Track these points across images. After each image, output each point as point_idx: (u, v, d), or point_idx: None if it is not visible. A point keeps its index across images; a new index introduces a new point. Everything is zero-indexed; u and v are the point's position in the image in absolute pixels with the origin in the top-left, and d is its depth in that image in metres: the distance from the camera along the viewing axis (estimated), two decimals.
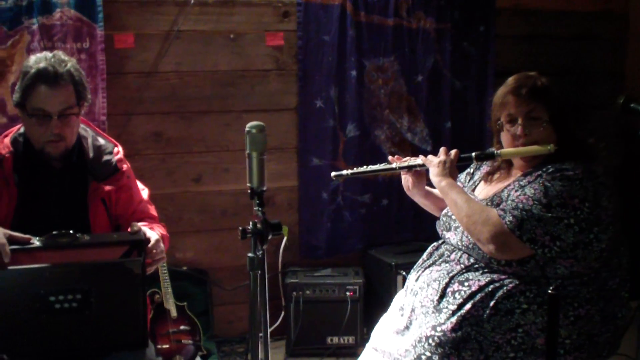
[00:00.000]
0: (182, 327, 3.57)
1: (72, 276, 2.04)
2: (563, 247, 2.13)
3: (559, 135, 2.32)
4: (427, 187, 2.67)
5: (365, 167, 2.64)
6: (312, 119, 4.00)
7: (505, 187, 2.34)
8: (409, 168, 2.59)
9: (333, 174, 2.66)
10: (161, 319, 3.55)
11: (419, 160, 2.55)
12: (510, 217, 2.16)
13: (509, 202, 2.23)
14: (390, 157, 2.64)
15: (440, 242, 2.55)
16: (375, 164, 2.64)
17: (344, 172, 2.63)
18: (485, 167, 2.58)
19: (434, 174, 2.45)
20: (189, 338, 3.57)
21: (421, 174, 2.62)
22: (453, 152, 2.48)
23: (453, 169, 2.44)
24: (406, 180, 2.66)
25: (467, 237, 2.32)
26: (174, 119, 3.85)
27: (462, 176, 2.68)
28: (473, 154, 2.46)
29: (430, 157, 2.52)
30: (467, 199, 2.33)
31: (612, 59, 4.56)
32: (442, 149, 2.50)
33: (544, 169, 2.26)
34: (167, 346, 3.51)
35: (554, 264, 2.16)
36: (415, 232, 4.23)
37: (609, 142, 4.36)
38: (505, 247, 2.18)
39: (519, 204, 2.18)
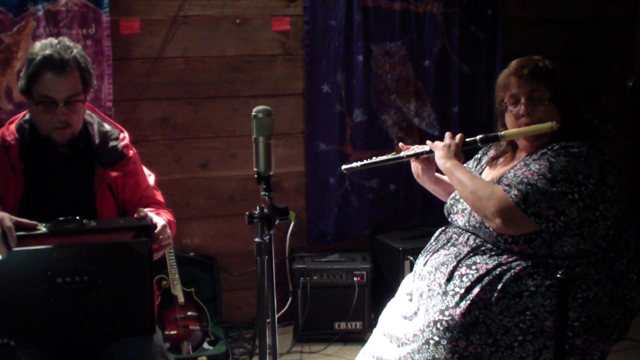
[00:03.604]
0: (189, 313, 3.58)
1: (79, 257, 2.04)
2: (567, 222, 2.13)
3: (562, 115, 2.33)
4: (437, 174, 2.67)
5: (375, 158, 2.67)
6: (319, 104, 3.99)
7: (512, 168, 2.34)
8: (417, 155, 2.61)
9: (344, 167, 2.71)
10: (169, 305, 3.55)
11: (426, 147, 2.56)
12: (515, 191, 2.17)
13: (514, 178, 2.23)
14: (400, 144, 2.67)
15: (447, 225, 2.54)
16: (384, 154, 2.68)
17: (354, 164, 2.68)
18: (492, 152, 2.58)
19: (438, 157, 2.47)
20: (196, 324, 3.58)
21: (430, 161, 2.62)
22: (458, 136, 2.50)
23: (458, 152, 2.46)
24: (416, 167, 2.68)
25: (474, 217, 2.32)
26: (181, 104, 3.84)
27: (470, 162, 2.69)
28: (477, 137, 2.47)
29: (436, 142, 2.54)
30: (472, 177, 2.35)
31: (622, 42, 4.52)
32: (447, 134, 2.52)
33: (549, 147, 2.27)
34: (175, 332, 3.52)
35: (560, 241, 2.15)
36: (423, 217, 4.23)
37: (621, 125, 4.38)
38: (511, 221, 2.18)
39: (524, 179, 2.19)
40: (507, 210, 2.17)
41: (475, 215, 2.30)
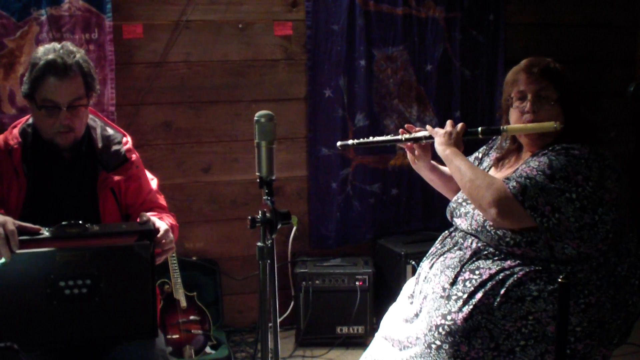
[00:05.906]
0: (191, 317, 3.59)
1: (82, 260, 2.05)
2: (562, 220, 2.13)
3: (567, 117, 2.33)
4: (433, 162, 2.67)
5: (371, 137, 2.67)
6: (321, 108, 4.00)
7: (515, 170, 2.34)
8: (416, 140, 2.60)
9: (339, 143, 2.71)
10: (171, 309, 3.56)
11: (426, 132, 2.56)
12: (514, 183, 2.18)
13: (514, 174, 2.24)
14: (400, 130, 2.65)
15: (452, 229, 2.54)
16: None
17: (350, 141, 2.68)
18: (494, 154, 2.58)
19: (438, 143, 2.46)
20: (198, 328, 3.58)
21: (426, 147, 2.62)
22: (459, 124, 2.49)
23: (458, 141, 2.45)
24: (412, 152, 2.67)
25: (476, 220, 2.32)
26: (183, 109, 3.85)
27: (471, 159, 2.68)
28: (479, 128, 2.46)
29: (436, 128, 2.53)
30: (471, 165, 2.35)
31: (623, 46, 4.53)
32: (448, 122, 2.52)
33: (551, 148, 2.28)
34: (177, 336, 3.53)
35: (561, 243, 2.15)
36: (425, 221, 4.22)
37: (622, 129, 4.39)
38: (506, 212, 2.18)
39: (523, 173, 2.20)
40: (504, 200, 2.17)
41: (477, 218, 2.31)
